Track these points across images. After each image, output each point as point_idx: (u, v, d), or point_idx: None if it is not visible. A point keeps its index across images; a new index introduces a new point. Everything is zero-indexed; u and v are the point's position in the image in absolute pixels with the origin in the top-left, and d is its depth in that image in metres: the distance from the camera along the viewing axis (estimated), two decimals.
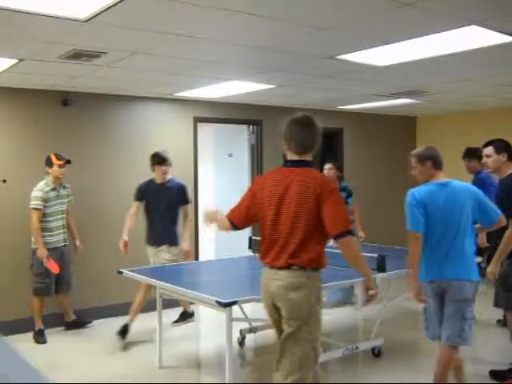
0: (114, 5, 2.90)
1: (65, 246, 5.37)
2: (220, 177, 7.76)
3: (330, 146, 8.31)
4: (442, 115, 8.54)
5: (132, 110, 6.30)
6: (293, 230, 2.86)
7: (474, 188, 3.52)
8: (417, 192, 3.44)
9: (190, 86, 5.69)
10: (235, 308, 3.64)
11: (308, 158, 3.01)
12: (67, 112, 5.82)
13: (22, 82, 5.26)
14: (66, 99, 5.75)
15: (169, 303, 5.23)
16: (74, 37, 3.58)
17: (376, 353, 4.65)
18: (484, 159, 4.18)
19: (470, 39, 3.76)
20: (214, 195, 7.78)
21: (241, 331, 5.02)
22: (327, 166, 6.21)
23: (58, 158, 5.20)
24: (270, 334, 5.19)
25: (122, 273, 4.51)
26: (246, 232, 7.12)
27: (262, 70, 4.83)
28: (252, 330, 5.03)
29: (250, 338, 5.12)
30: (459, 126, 8.28)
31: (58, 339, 5.28)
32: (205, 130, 7.23)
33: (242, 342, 5.05)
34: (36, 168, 5.66)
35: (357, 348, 4.50)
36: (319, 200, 2.81)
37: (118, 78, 5.10)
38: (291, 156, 3.00)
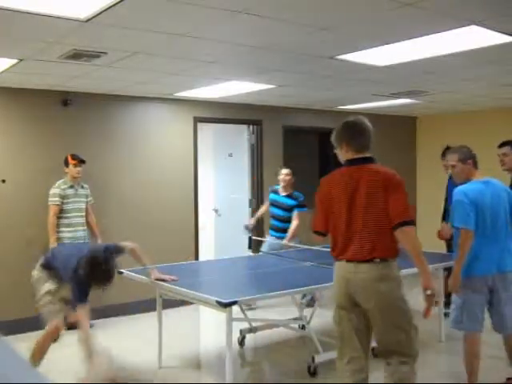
0: (113, 5, 2.90)
1: (84, 243, 5.40)
2: (220, 177, 7.76)
3: (330, 146, 8.31)
4: (442, 115, 8.55)
5: (132, 110, 6.30)
6: (366, 224, 2.97)
7: (504, 185, 3.82)
8: (468, 190, 3.59)
9: (190, 86, 5.69)
10: (235, 308, 3.64)
11: (368, 154, 3.14)
12: (67, 112, 5.82)
13: (22, 81, 5.26)
14: (66, 99, 5.75)
15: (169, 303, 5.22)
16: (74, 37, 3.58)
17: (376, 353, 4.65)
18: (500, 158, 4.41)
19: (470, 39, 3.76)
20: (213, 195, 7.79)
21: (241, 331, 5.02)
22: (284, 171, 6.02)
23: (73, 157, 5.44)
24: (270, 334, 5.22)
25: (122, 273, 4.50)
26: (246, 232, 7.13)
27: (262, 70, 4.83)
28: (252, 330, 5.03)
29: (249, 338, 5.12)
30: (459, 125, 8.28)
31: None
32: (205, 130, 7.23)
33: (242, 342, 5.05)
34: (36, 168, 5.67)
35: None
36: (386, 193, 2.94)
37: (118, 78, 5.10)
38: (352, 155, 3.13)
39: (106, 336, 5.24)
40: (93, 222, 5.66)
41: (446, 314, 5.42)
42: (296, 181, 6.98)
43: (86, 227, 5.53)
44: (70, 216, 5.40)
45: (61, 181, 5.42)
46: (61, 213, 5.35)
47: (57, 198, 5.33)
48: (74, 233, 5.39)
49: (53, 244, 5.24)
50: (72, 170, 5.41)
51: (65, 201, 5.38)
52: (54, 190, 5.36)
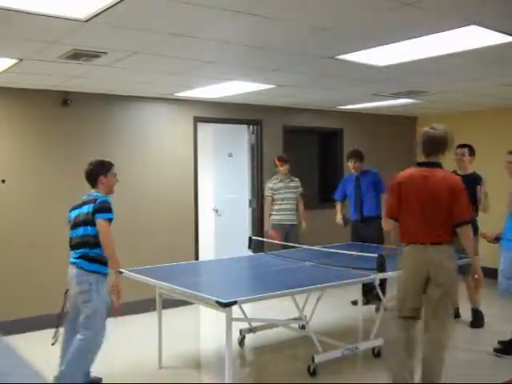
0: (113, 5, 2.90)
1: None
2: (220, 177, 7.76)
3: (330, 146, 8.32)
4: (442, 115, 8.54)
5: (132, 110, 6.30)
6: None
7: None
8: None
9: (190, 86, 5.69)
10: (235, 308, 3.64)
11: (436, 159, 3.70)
12: (67, 112, 5.82)
13: (22, 82, 5.26)
14: (66, 99, 5.75)
15: (169, 303, 5.22)
16: (74, 37, 3.58)
17: (376, 353, 4.66)
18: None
19: (470, 39, 3.76)
20: (213, 195, 7.79)
21: (241, 331, 5.02)
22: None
23: (278, 159, 6.85)
24: (270, 334, 5.22)
25: (122, 273, 4.50)
26: (246, 232, 7.14)
27: (262, 70, 4.83)
28: (252, 329, 5.04)
29: (249, 338, 5.12)
30: (459, 125, 8.27)
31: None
32: (205, 130, 7.23)
33: (241, 342, 5.05)
34: (36, 168, 5.67)
35: (357, 348, 4.50)
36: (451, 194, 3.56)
37: (118, 78, 5.10)
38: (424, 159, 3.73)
39: (106, 336, 5.23)
40: (301, 208, 6.94)
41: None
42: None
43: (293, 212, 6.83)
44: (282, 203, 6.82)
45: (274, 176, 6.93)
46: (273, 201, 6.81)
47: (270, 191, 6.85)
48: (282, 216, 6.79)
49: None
50: (279, 168, 6.82)
51: (275, 192, 6.83)
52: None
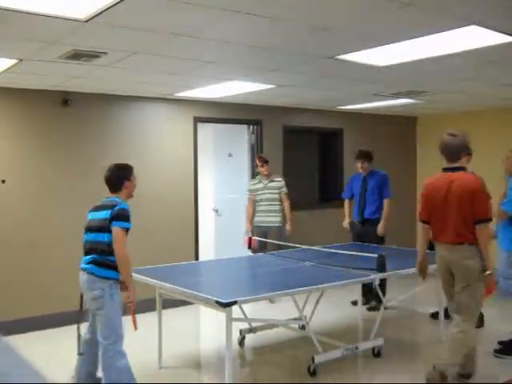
0: (113, 5, 2.90)
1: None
2: (220, 177, 7.76)
3: (330, 146, 8.31)
4: (442, 115, 8.54)
5: (132, 110, 6.30)
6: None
7: None
8: None
9: (190, 86, 5.69)
10: (235, 308, 3.64)
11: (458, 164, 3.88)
12: (67, 112, 5.82)
13: (22, 82, 5.26)
14: (66, 99, 5.75)
15: (169, 303, 5.22)
16: (74, 37, 3.58)
17: (376, 353, 4.65)
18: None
19: (470, 39, 3.76)
20: (213, 195, 7.79)
21: (241, 331, 5.02)
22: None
23: (259, 159, 6.73)
24: (270, 334, 5.22)
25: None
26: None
27: (262, 70, 4.83)
28: (252, 330, 5.03)
29: (249, 338, 5.12)
30: (459, 126, 8.26)
31: (57, 339, 5.27)
32: (205, 130, 7.23)
33: (241, 342, 5.05)
34: (36, 168, 5.66)
35: (357, 348, 4.50)
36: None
37: (118, 78, 5.10)
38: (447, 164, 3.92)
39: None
40: (286, 209, 6.65)
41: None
42: (296, 180, 6.99)
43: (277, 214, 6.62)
44: (260, 204, 6.64)
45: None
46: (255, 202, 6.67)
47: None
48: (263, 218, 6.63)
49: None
50: (260, 169, 6.68)
51: (256, 193, 6.67)
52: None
